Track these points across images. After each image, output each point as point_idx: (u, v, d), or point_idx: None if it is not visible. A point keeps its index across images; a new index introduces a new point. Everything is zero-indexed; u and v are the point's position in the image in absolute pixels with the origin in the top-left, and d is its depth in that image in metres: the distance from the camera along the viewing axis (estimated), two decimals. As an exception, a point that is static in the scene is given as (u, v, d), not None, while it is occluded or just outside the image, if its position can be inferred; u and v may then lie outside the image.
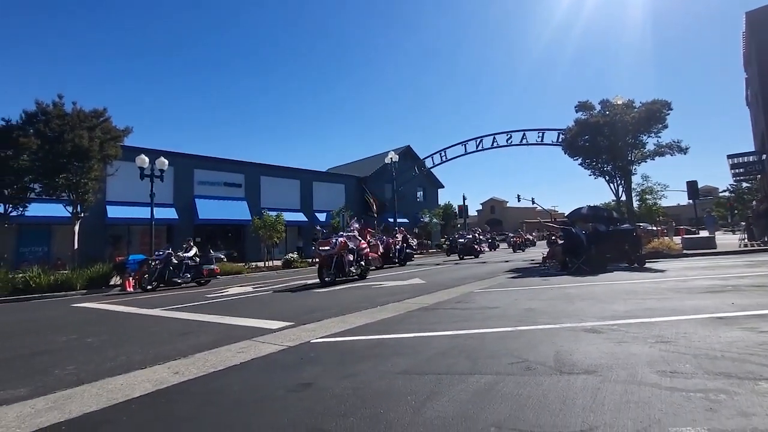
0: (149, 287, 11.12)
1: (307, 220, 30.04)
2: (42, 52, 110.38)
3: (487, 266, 13.89)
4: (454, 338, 3.67)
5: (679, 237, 18.74)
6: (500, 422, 1.89)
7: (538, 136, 22.99)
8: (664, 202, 35.45)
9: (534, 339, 3.48)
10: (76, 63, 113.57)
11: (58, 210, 16.04)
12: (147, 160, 15.25)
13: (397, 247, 17.15)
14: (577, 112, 18.02)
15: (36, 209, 16.22)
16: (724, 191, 48.13)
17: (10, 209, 14.67)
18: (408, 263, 17.52)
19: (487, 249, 25.66)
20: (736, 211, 42.44)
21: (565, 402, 2.08)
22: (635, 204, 18.68)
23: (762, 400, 1.96)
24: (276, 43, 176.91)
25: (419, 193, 41.07)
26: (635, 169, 17.54)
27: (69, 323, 6.15)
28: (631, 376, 2.40)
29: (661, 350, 2.90)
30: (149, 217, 15.85)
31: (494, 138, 25.60)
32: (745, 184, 36.82)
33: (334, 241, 9.80)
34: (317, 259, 11.01)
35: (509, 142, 25.02)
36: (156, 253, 12.38)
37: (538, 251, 21.33)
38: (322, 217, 29.96)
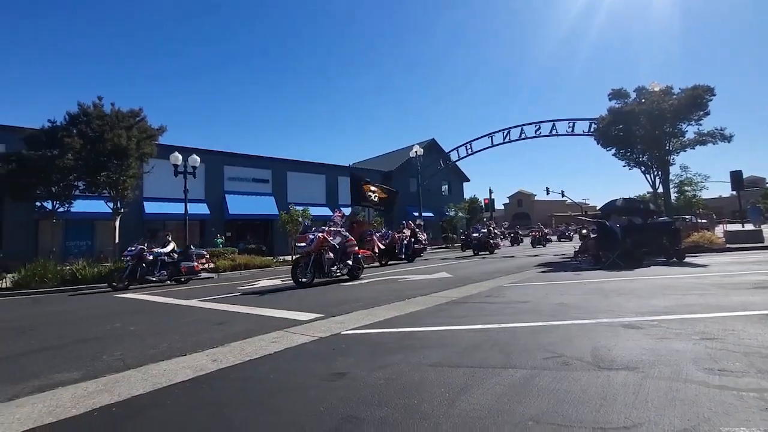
0: (120, 286, 10.21)
1: (332, 214, 30.37)
2: (81, 52, 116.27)
3: (515, 260, 13.63)
4: (485, 332, 3.63)
5: (721, 229, 17.64)
6: (538, 416, 1.85)
7: (569, 126, 22.26)
8: (704, 194, 33.57)
9: (569, 334, 3.39)
10: (110, 63, 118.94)
11: (100, 206, 16.95)
12: (180, 157, 15.85)
13: (404, 242, 15.91)
14: (610, 100, 17.25)
15: (80, 206, 17.19)
16: (773, 181, 45.01)
17: (57, 206, 15.60)
18: (417, 259, 16.51)
19: (503, 244, 24.42)
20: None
21: (606, 398, 2.01)
22: (673, 196, 17.70)
23: (824, 401, 1.84)
24: (299, 35, 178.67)
25: (444, 187, 40.70)
26: (673, 159, 16.65)
27: (113, 312, 6.49)
28: (676, 373, 2.30)
29: (707, 347, 2.76)
30: (183, 212, 16.49)
31: (522, 129, 24.99)
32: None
33: (311, 236, 8.73)
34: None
35: (538, 133, 24.37)
36: (128, 249, 11.15)
37: (564, 247, 20.77)
38: (347, 211, 30.22)
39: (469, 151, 28.24)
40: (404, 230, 16.71)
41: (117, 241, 16.03)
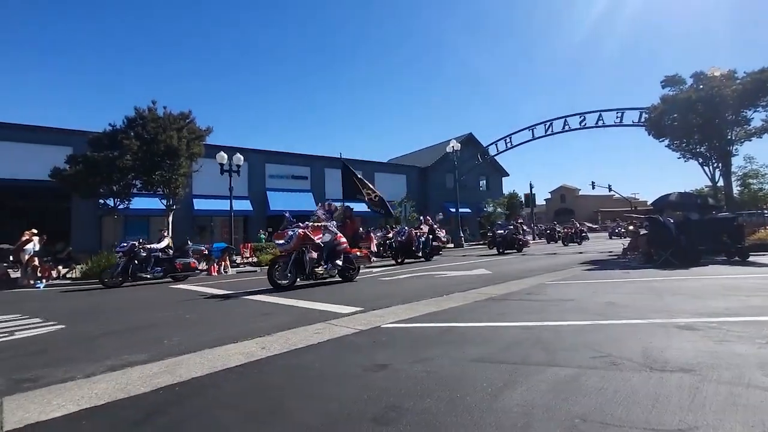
0: (112, 284, 9.79)
1: (369, 210, 30.69)
2: (132, 57, 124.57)
3: (557, 258, 13.16)
4: (527, 329, 3.57)
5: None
6: (585, 415, 1.82)
7: (617, 117, 21.09)
8: (773, 187, 30.48)
9: (617, 333, 3.26)
10: (162, 64, 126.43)
11: (154, 203, 18.15)
12: (226, 156, 16.70)
13: (422, 239, 14.86)
14: (663, 87, 16.12)
15: (137, 203, 18.49)
16: None
17: (118, 203, 16.91)
18: (435, 257, 15.40)
19: (532, 241, 22.67)
20: None
21: (658, 399, 1.94)
22: (736, 189, 16.24)
23: None
24: (338, 32, 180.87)
25: (482, 182, 39.85)
26: (736, 149, 15.26)
27: (169, 302, 6.99)
28: (738, 378, 2.17)
29: (774, 352, 2.57)
30: (228, 209, 17.35)
31: (565, 120, 24.00)
32: None
33: (290, 233, 7.75)
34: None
35: (582, 124, 23.28)
36: (120, 244, 10.64)
37: (611, 244, 19.75)
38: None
39: (509, 145, 27.48)
40: (422, 226, 15.63)
41: (170, 236, 17.11)
